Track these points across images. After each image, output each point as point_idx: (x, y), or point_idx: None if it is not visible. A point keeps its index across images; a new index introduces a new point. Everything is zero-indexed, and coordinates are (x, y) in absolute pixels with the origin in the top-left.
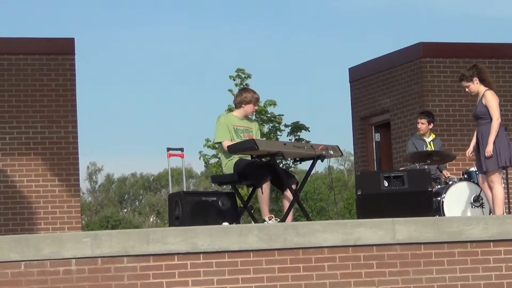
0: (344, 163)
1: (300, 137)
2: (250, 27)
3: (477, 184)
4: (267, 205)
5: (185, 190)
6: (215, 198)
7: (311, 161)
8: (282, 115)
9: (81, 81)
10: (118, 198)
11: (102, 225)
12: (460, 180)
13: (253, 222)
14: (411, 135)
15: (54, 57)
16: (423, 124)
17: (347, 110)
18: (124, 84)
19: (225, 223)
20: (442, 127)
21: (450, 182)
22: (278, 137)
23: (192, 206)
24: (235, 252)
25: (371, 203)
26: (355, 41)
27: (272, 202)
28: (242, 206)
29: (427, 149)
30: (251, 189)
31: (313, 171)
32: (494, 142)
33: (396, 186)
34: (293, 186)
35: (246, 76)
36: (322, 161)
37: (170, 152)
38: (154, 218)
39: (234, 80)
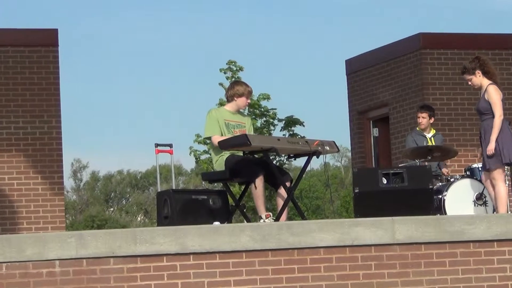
0: (341, 160)
1: (295, 132)
2: (242, 18)
3: (480, 181)
4: (262, 201)
5: (174, 188)
6: (205, 197)
7: (306, 157)
8: (276, 109)
9: (65, 74)
10: (104, 197)
11: (88, 225)
12: (462, 177)
13: (245, 222)
14: (410, 130)
15: (36, 49)
16: (424, 119)
17: (344, 103)
18: (110, 77)
19: (216, 223)
20: (443, 122)
21: (451, 179)
22: (272, 132)
23: (181, 205)
24: (226, 252)
25: (369, 201)
26: (351, 32)
27: (265, 200)
28: (234, 204)
29: (427, 145)
30: (243, 187)
31: (308, 168)
32: (496, 139)
33: (395, 183)
34: (287, 184)
35: (238, 68)
36: (317, 157)
37: (158, 148)
38: (142, 217)
39: (225, 73)
